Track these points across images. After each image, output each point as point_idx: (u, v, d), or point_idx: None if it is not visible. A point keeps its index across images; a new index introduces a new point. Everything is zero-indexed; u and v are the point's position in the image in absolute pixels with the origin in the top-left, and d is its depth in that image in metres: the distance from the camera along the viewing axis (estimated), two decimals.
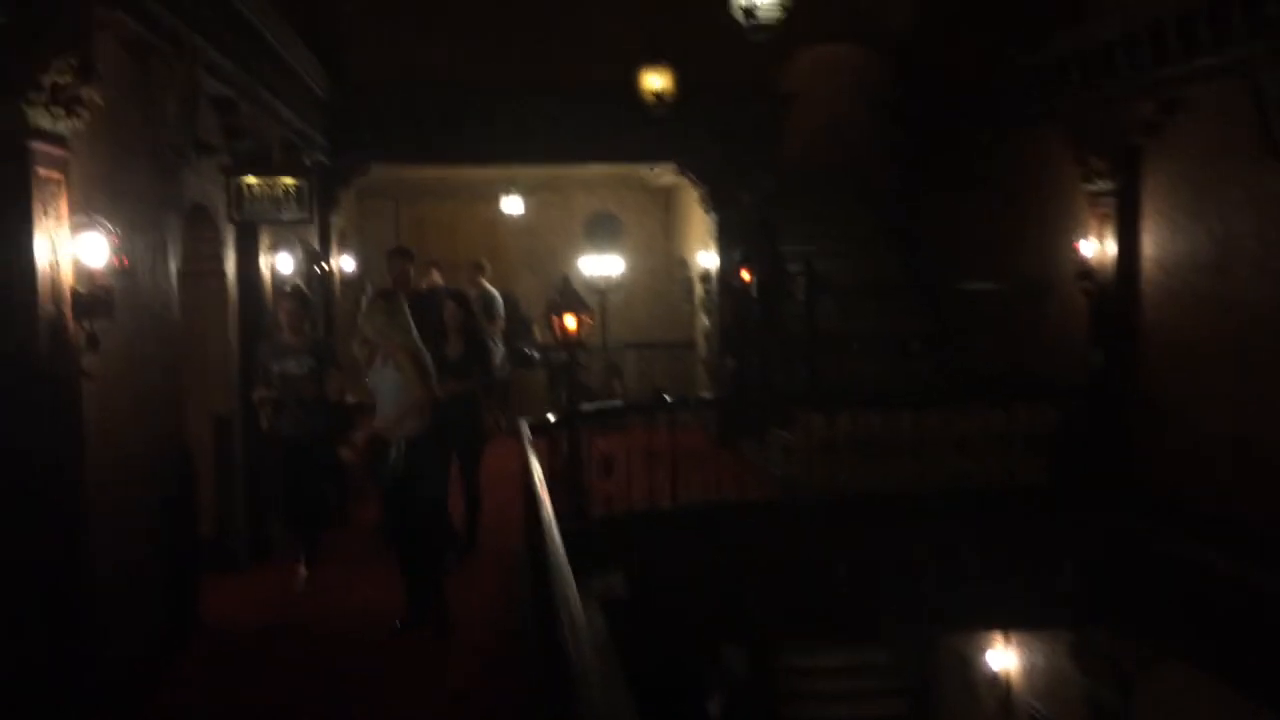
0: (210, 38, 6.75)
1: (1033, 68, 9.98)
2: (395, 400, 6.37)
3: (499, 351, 11.56)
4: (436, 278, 10.86)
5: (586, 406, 9.19)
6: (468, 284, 11.97)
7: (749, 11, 6.32)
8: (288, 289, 8.17)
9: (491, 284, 12.74)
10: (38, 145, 4.55)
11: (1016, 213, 10.98)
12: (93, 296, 4.89)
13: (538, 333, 14.07)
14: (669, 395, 13.77)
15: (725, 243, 12.62)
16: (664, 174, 14.24)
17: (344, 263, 12.49)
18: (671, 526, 8.79)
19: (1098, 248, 9.28)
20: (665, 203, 16.52)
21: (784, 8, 6.32)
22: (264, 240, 8.35)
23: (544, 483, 6.16)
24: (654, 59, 9.81)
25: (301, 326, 7.50)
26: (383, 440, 6.44)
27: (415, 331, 6.48)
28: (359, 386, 6.88)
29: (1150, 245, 8.96)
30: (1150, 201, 8.92)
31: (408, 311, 6.50)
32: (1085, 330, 9.61)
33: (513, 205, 14.72)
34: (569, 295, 11.40)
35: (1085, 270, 9.40)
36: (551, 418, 8.63)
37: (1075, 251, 9.57)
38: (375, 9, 11.45)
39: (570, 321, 8.69)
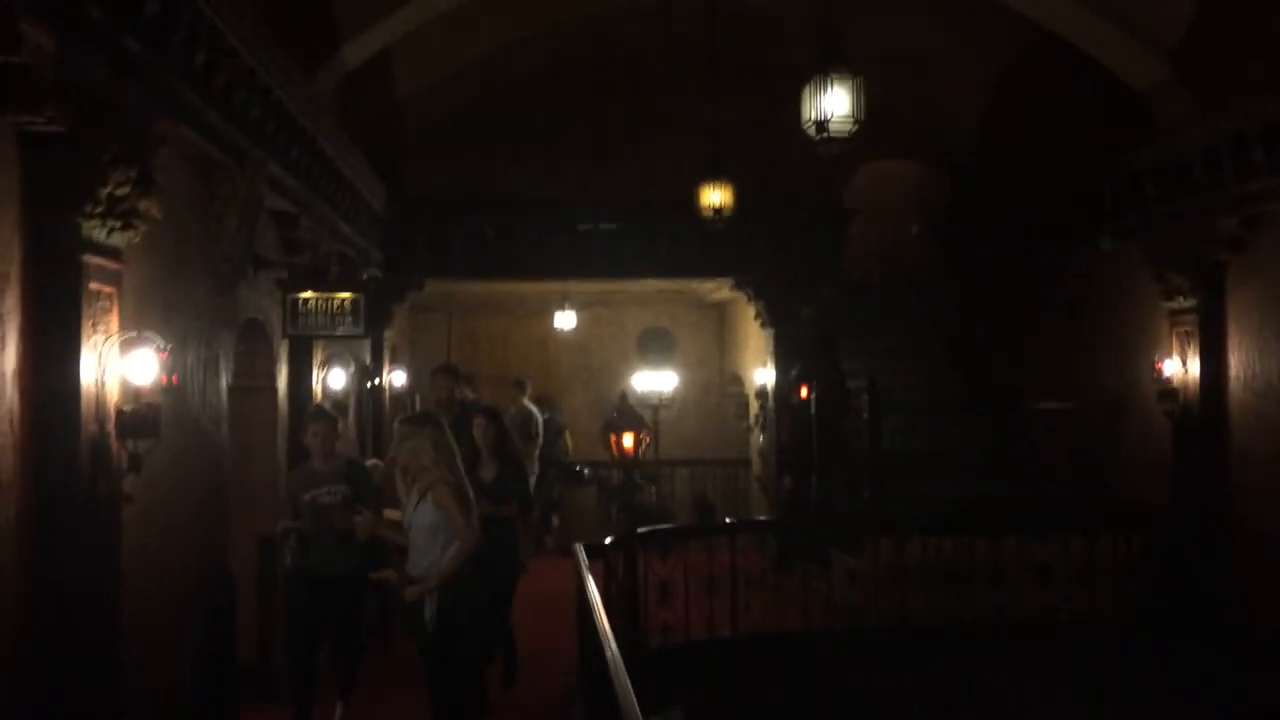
0: (274, 153, 6.70)
1: (1106, 182, 9.73)
2: (430, 544, 5.52)
3: (535, 471, 11.25)
4: (469, 393, 10.47)
5: (642, 529, 8.82)
6: (509, 402, 11.77)
7: (821, 125, 6.16)
8: (313, 409, 7.27)
9: (532, 402, 12.52)
10: (91, 259, 4.39)
11: (1090, 329, 10.63)
12: (138, 415, 4.67)
13: (569, 441, 13.80)
14: (720, 511, 13.46)
15: (782, 358, 12.38)
16: (718, 289, 14.10)
17: (395, 377, 12.36)
18: (732, 657, 8.33)
19: (1180, 367, 8.88)
20: (719, 318, 16.37)
21: (856, 121, 6.17)
22: (317, 355, 8.22)
23: (604, 613, 5.78)
24: (714, 175, 9.70)
25: (332, 451, 6.55)
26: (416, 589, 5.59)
27: (460, 461, 5.76)
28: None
29: (1237, 364, 8.54)
30: (1235, 319, 8.54)
31: (451, 439, 5.75)
32: (1167, 452, 9.15)
33: (566, 320, 14.63)
34: (627, 413, 11.15)
35: (1167, 390, 8.98)
36: (607, 540, 8.28)
37: (1155, 370, 9.17)
38: (434, 127, 11.54)
39: (628, 440, 8.40)
